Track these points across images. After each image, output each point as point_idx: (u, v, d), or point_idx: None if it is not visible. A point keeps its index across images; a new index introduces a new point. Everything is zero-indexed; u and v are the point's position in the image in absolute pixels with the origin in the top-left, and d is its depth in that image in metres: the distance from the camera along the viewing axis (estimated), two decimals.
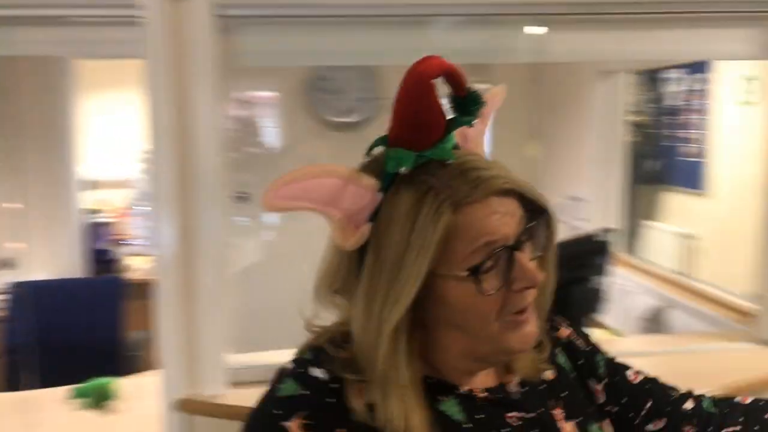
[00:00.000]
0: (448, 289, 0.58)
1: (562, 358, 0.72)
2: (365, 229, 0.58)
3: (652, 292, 2.01)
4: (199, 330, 1.22)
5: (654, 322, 1.93)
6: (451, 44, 1.40)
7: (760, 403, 0.75)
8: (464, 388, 0.63)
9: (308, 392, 0.59)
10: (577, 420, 0.67)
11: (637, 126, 2.75)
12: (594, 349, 0.76)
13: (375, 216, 0.58)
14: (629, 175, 2.49)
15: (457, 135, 0.61)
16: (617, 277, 1.97)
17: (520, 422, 0.63)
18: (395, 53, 1.38)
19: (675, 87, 2.90)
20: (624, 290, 2.08)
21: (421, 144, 0.58)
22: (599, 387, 0.73)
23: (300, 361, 0.62)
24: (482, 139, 0.67)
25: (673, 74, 2.91)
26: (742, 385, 1.27)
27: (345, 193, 0.58)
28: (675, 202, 3.01)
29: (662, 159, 3.01)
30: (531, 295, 0.60)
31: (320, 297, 0.63)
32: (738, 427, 0.72)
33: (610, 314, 2.05)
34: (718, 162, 2.72)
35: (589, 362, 0.74)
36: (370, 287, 0.58)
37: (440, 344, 0.62)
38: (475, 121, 0.62)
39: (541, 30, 1.39)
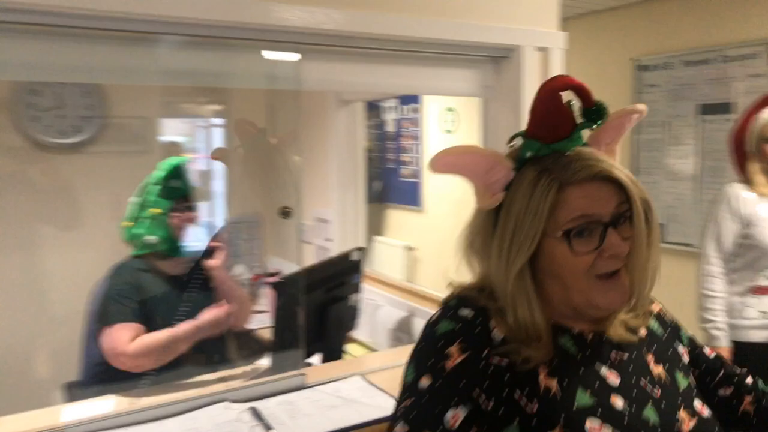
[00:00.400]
0: (552, 246, 0.77)
1: (654, 324, 0.91)
2: (499, 196, 0.79)
3: (396, 302, 2.19)
4: None
5: (404, 332, 2.10)
6: (178, 65, 1.32)
7: None
8: (576, 330, 0.82)
9: (460, 325, 0.79)
10: (666, 366, 0.85)
11: (366, 150, 2.99)
12: (678, 324, 0.95)
13: (508, 187, 0.79)
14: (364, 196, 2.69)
15: (590, 140, 0.83)
16: (365, 293, 2.09)
17: (619, 359, 0.82)
18: (116, 72, 1.25)
19: (393, 115, 3.22)
20: (372, 304, 2.22)
21: (548, 138, 0.79)
22: (684, 350, 0.92)
23: (449, 307, 0.82)
24: (615, 147, 0.87)
25: (390, 103, 3.22)
26: None
27: (490, 169, 0.79)
28: (398, 218, 3.32)
29: (386, 180, 3.30)
30: (617, 263, 0.77)
31: (462, 254, 0.85)
32: None
33: (362, 329, 2.16)
34: (429, 182, 3.08)
35: (674, 331, 0.93)
36: (502, 240, 0.78)
37: (547, 291, 0.80)
38: (598, 126, 0.83)
39: (294, 57, 1.41)
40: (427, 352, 0.78)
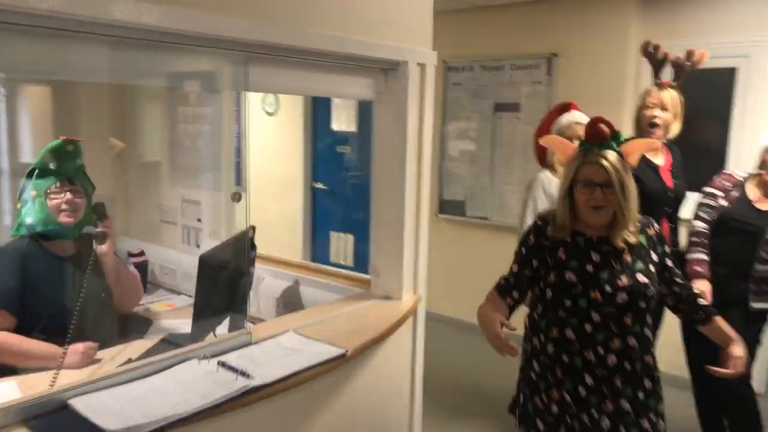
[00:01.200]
0: (576, 189, 1.60)
1: (643, 239, 1.64)
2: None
3: (279, 274, 2.46)
4: None
5: (292, 300, 2.38)
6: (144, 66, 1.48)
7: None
8: (588, 234, 1.62)
9: (534, 226, 1.69)
10: (633, 257, 1.60)
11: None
12: (663, 242, 1.68)
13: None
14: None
15: (624, 149, 1.66)
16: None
17: (606, 250, 1.60)
18: (114, 72, 1.38)
19: None
20: (258, 277, 2.46)
21: (590, 142, 1.63)
22: (655, 255, 1.64)
23: (534, 220, 1.72)
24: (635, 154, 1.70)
25: None
26: (383, 329, 1.86)
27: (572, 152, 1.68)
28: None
29: None
30: (598, 203, 1.56)
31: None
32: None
33: (254, 300, 2.41)
34: (250, 163, 3.08)
35: (655, 245, 1.66)
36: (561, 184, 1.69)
37: (575, 211, 1.62)
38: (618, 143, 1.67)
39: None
40: (524, 236, 1.70)
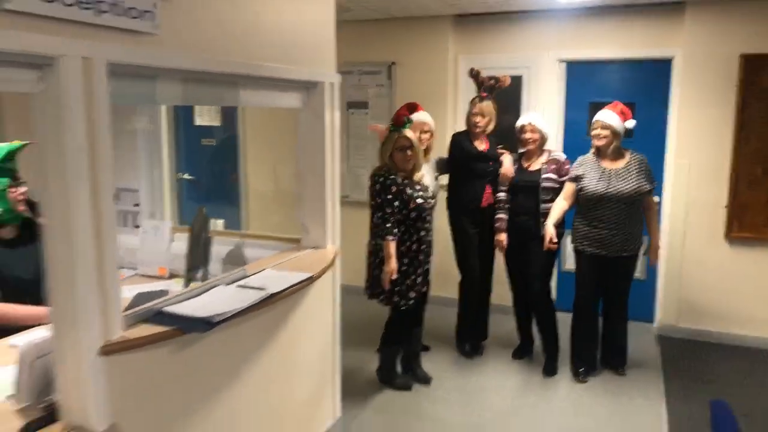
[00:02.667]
0: (394, 152, 3.42)
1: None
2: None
3: (219, 241, 3.17)
4: None
5: (237, 258, 3.10)
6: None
7: None
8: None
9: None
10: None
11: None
12: None
13: None
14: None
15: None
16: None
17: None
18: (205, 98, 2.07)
19: None
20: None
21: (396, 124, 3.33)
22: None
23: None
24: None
25: None
26: (323, 266, 2.72)
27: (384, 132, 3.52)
28: None
29: None
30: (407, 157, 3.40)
31: None
32: None
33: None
34: None
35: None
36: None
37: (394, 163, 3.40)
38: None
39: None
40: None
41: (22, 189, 2.53)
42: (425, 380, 3.89)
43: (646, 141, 4.78)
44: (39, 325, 2.31)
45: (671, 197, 4.70)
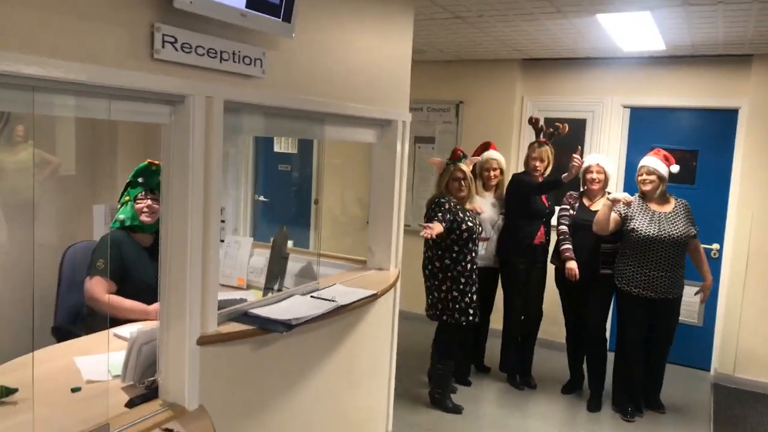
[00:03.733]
0: (449, 182, 3.93)
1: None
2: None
3: (293, 258, 3.50)
4: None
5: (308, 274, 3.43)
6: None
7: None
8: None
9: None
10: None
11: None
12: None
13: None
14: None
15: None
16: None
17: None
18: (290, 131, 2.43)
19: None
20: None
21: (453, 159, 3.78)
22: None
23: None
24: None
25: None
26: (385, 286, 2.99)
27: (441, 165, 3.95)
28: None
29: None
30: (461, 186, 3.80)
31: None
32: None
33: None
34: None
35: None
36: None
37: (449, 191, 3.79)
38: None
39: None
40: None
41: (148, 202, 2.92)
42: (456, 410, 4.06)
43: (709, 188, 4.85)
44: (142, 320, 2.68)
45: (733, 245, 4.73)
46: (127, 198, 2.98)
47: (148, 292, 2.73)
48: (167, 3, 1.72)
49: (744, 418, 4.20)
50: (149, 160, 3.02)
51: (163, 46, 1.75)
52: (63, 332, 2.93)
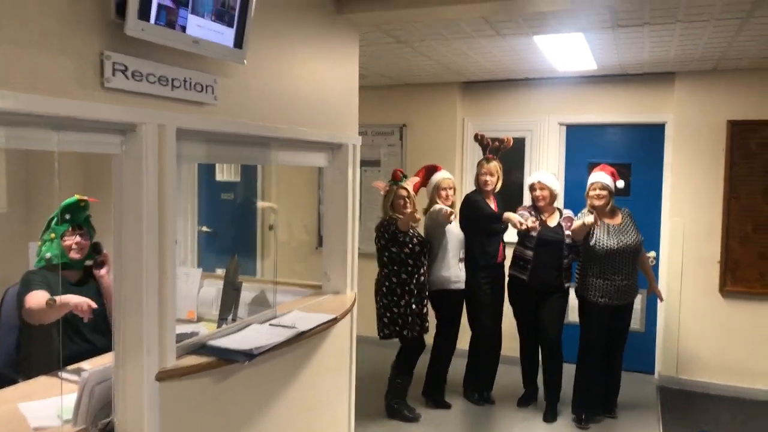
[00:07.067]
0: (394, 201, 4.01)
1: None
2: None
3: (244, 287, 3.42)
4: None
5: (262, 303, 3.35)
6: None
7: None
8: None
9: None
10: None
11: None
12: None
13: None
14: None
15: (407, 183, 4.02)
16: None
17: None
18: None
19: None
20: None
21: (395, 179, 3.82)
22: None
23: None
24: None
25: None
26: (344, 309, 2.97)
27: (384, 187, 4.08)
28: None
29: None
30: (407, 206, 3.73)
31: None
32: None
33: None
34: None
35: None
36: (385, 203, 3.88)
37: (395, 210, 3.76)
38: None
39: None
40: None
41: (77, 238, 2.80)
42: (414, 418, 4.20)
43: (643, 200, 5.09)
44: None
45: (668, 253, 4.96)
46: (53, 235, 2.85)
47: (72, 322, 2.64)
48: (117, 30, 1.69)
49: (690, 416, 4.37)
50: (78, 196, 2.91)
51: (113, 74, 1.71)
52: (1, 378, 2.76)
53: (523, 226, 3.97)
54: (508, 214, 4.10)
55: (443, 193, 4.21)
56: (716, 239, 4.81)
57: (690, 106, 4.85)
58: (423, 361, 4.34)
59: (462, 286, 4.26)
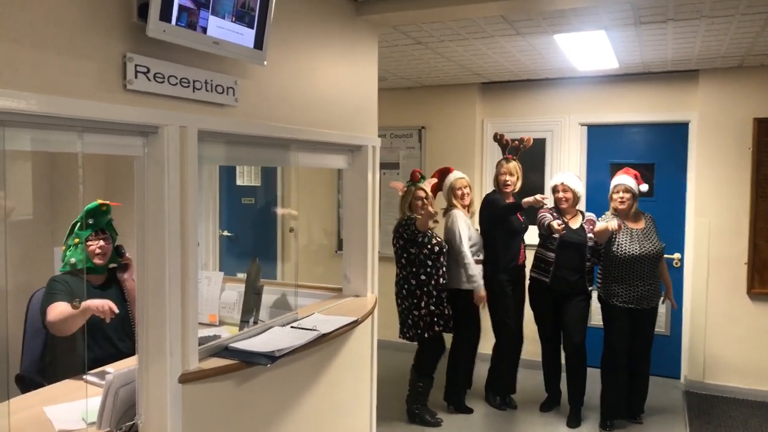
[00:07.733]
0: (412, 202, 4.03)
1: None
2: None
3: (265, 290, 3.41)
4: None
5: (283, 306, 3.34)
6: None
7: None
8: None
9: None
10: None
11: None
12: None
13: None
14: None
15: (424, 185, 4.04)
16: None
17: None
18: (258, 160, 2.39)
19: None
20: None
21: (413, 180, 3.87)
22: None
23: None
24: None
25: None
26: (364, 312, 2.95)
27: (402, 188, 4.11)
28: None
29: None
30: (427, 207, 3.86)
31: None
32: None
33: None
34: None
35: None
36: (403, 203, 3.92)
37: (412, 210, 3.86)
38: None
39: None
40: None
41: (100, 242, 2.82)
42: (436, 423, 4.16)
43: (667, 200, 5.00)
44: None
45: (693, 254, 4.86)
46: (77, 240, 2.87)
47: (99, 326, 2.66)
48: (139, 32, 1.69)
49: (718, 422, 4.27)
50: (100, 201, 2.94)
51: (135, 77, 1.72)
52: (27, 381, 2.79)
53: (545, 200, 3.99)
54: (527, 199, 4.03)
55: (459, 192, 4.17)
56: (743, 239, 4.71)
57: (715, 104, 4.76)
58: (445, 366, 4.31)
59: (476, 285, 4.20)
